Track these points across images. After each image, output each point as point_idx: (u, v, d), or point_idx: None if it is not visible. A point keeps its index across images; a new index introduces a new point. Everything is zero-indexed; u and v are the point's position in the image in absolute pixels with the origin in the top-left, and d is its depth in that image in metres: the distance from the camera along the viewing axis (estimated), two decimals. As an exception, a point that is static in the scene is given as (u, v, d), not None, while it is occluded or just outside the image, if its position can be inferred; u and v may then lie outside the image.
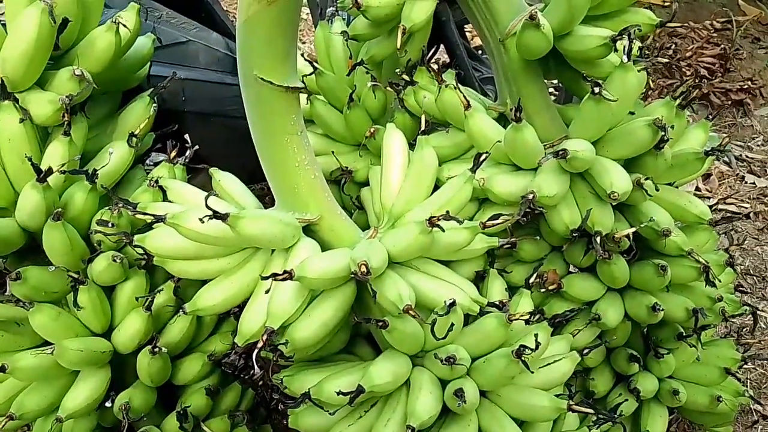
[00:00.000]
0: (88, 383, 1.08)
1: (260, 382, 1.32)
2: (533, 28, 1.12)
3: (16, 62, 1.03)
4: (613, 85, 1.14)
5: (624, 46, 1.12)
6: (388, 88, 1.42)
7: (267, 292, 0.96)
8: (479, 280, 1.22)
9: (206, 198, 0.89)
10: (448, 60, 2.15)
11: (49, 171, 0.96)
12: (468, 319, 1.07)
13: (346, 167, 1.45)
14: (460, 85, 1.27)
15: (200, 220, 0.87)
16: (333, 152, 1.47)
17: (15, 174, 1.05)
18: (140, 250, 1.00)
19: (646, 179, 1.15)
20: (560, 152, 1.09)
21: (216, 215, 0.89)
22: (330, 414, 1.02)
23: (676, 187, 1.34)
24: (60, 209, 1.00)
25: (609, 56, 1.18)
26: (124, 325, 1.08)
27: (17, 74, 1.04)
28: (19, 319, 1.09)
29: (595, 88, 1.09)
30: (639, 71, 1.16)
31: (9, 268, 1.04)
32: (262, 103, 1.04)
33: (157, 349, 1.06)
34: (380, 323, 0.96)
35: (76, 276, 1.01)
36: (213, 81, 1.69)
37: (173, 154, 1.20)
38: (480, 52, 2.55)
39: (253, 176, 1.22)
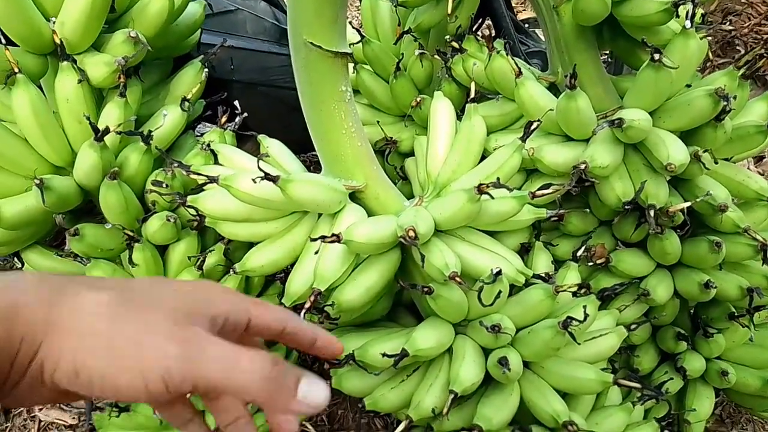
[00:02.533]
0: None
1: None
2: (590, -8, 1.08)
3: (74, 24, 1.05)
4: (673, 52, 1.10)
5: (687, 12, 1.08)
6: (436, 57, 1.40)
7: (316, 253, 0.97)
8: (524, 252, 1.21)
9: (258, 159, 0.90)
10: (494, 33, 2.11)
11: (106, 131, 0.99)
12: (513, 290, 1.06)
13: (391, 137, 1.44)
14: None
15: (252, 180, 0.88)
16: (378, 122, 1.47)
17: (73, 134, 1.08)
18: (193, 211, 1.02)
19: (705, 152, 1.10)
20: (616, 121, 1.06)
21: (267, 177, 0.90)
22: (374, 376, 1.03)
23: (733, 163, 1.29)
24: (116, 169, 1.03)
25: (670, 23, 1.14)
26: (176, 284, 1.11)
27: (75, 36, 1.06)
28: (77, 275, 1.13)
29: (655, 55, 1.05)
30: (701, 39, 1.11)
31: (67, 227, 1.08)
32: (310, 68, 1.03)
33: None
34: (426, 289, 0.96)
35: (131, 234, 1.04)
36: (260, 50, 1.70)
37: (224, 119, 1.21)
38: (527, 25, 2.48)
39: (298, 147, 1.22)
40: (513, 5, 2.84)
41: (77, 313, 0.51)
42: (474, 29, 1.83)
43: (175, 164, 0.96)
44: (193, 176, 0.95)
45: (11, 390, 0.51)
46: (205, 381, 0.51)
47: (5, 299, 0.50)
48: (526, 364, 1.04)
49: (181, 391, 0.51)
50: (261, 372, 0.52)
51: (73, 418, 1.47)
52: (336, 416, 1.48)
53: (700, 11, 1.26)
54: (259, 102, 1.70)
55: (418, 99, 1.39)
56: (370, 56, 1.46)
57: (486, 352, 1.03)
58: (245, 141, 1.38)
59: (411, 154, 1.41)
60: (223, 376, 0.51)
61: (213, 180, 0.94)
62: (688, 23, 1.08)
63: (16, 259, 1.25)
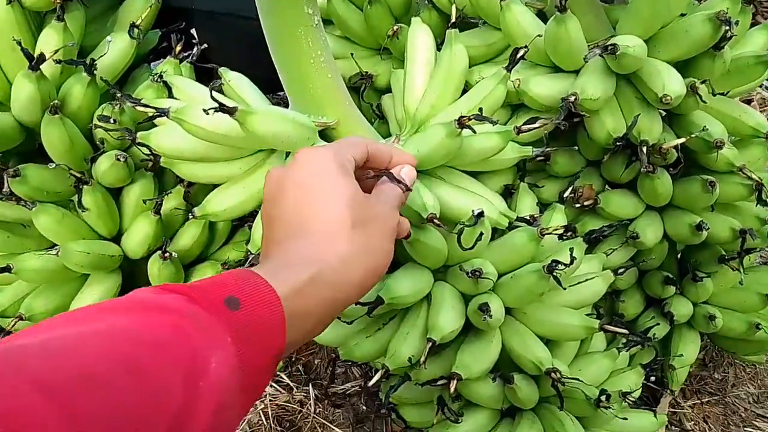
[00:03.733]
0: (98, 288, 1.04)
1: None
2: None
3: (0, -65, 0.92)
4: (672, -26, 1.00)
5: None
6: (416, -19, 1.28)
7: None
8: (508, 195, 1.13)
9: (211, 89, 0.80)
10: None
11: (42, 57, 0.88)
12: (495, 234, 1.00)
13: (366, 72, 1.34)
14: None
15: (204, 111, 0.79)
16: (352, 55, 1.36)
17: (8, 64, 0.97)
18: (145, 150, 0.92)
19: (702, 83, 1.02)
20: (609, 47, 0.96)
21: (222, 108, 0.80)
22: (347, 325, 0.97)
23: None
24: (57, 102, 0.92)
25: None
26: (133, 229, 1.02)
27: (2, -50, 0.93)
28: (25, 221, 1.04)
29: (653, -25, 0.95)
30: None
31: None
32: (273, -13, 0.92)
33: (167, 255, 1.00)
34: (402, 233, 0.88)
35: (79, 176, 0.95)
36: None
37: (178, 49, 1.10)
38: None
39: (266, 86, 1.12)
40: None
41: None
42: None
43: (122, 96, 0.85)
44: (140, 109, 0.84)
45: None
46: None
47: None
48: (508, 311, 0.98)
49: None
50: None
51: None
52: (312, 366, 1.44)
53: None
54: (222, 34, 1.56)
55: (395, 28, 1.28)
56: (344, -19, 1.34)
57: (466, 298, 0.97)
58: (207, 78, 1.27)
59: (388, 90, 1.31)
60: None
61: (163, 113, 0.84)
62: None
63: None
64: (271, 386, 1.36)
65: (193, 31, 1.42)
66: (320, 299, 0.59)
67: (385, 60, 1.35)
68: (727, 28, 0.99)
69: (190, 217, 0.97)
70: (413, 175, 0.76)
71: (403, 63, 1.34)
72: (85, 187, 0.96)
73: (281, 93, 1.02)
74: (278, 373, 1.38)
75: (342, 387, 1.38)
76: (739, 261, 1.15)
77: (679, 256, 1.32)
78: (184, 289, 0.50)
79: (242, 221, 1.22)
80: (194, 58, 1.14)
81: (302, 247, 0.62)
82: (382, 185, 0.72)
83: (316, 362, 1.44)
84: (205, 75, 1.20)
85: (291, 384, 1.36)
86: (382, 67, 1.34)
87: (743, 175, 1.11)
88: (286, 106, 1.00)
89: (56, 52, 0.91)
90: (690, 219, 1.15)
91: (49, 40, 0.94)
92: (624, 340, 1.08)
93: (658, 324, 1.20)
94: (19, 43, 0.87)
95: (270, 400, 1.32)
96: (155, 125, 0.94)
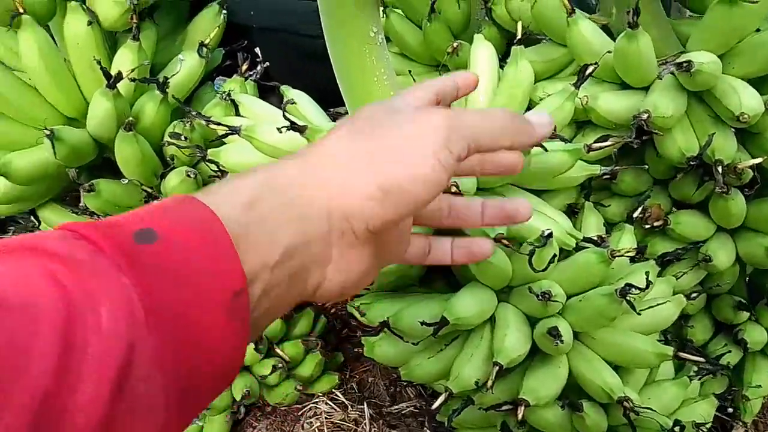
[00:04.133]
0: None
1: (331, 310, 1.28)
2: None
3: (82, -41, 0.96)
4: (750, -13, 0.96)
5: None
6: (477, -3, 1.28)
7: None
8: (570, 214, 1.10)
9: (284, 108, 0.81)
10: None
11: (119, 76, 0.90)
12: (560, 254, 0.97)
13: (425, 88, 1.33)
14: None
15: (278, 130, 0.79)
16: (410, 72, 1.35)
17: (85, 82, 1.00)
18: (213, 166, 0.94)
19: (782, 100, 0.98)
20: (683, 64, 0.93)
21: (294, 126, 0.81)
22: (407, 344, 0.96)
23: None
24: (132, 119, 0.94)
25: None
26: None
27: (83, -26, 0.97)
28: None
29: (731, -11, 0.92)
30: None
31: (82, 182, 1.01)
32: (339, 7, 0.93)
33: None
34: (468, 252, 0.87)
35: (149, 191, 0.97)
36: (286, -5, 1.58)
37: (244, 67, 1.12)
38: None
39: (319, 101, 1.13)
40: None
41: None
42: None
43: (194, 114, 0.87)
44: (212, 127, 0.86)
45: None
46: (475, 137, 0.53)
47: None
48: (575, 335, 0.95)
49: (461, 157, 0.52)
50: (508, 115, 0.59)
51: None
52: (366, 384, 1.43)
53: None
54: (281, 50, 1.59)
55: (455, 45, 1.27)
56: (401, -2, 1.34)
57: (531, 321, 0.94)
58: (267, 94, 1.29)
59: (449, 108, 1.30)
60: (486, 126, 0.55)
61: (235, 131, 0.85)
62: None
63: (33, 217, 1.19)
64: (326, 403, 1.36)
65: (257, 49, 1.45)
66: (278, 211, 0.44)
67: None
68: (809, 43, 0.95)
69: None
70: (548, 118, 0.64)
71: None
72: (154, 202, 0.98)
73: (335, 107, 1.02)
74: (333, 390, 1.37)
75: (397, 407, 1.37)
76: (820, 286, 1.09)
77: (747, 279, 1.26)
78: (81, 225, 0.38)
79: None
80: (258, 75, 1.15)
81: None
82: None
83: (369, 380, 1.43)
84: (266, 91, 1.22)
85: (346, 402, 1.36)
86: (440, 84, 1.34)
87: (824, 198, 1.06)
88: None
89: (133, 71, 0.94)
90: (765, 241, 1.10)
91: (125, 59, 0.97)
92: (695, 368, 1.03)
93: (729, 351, 1.14)
94: (99, 63, 0.90)
95: (326, 418, 1.32)
96: (224, 142, 0.96)
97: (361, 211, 0.47)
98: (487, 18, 1.26)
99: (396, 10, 1.36)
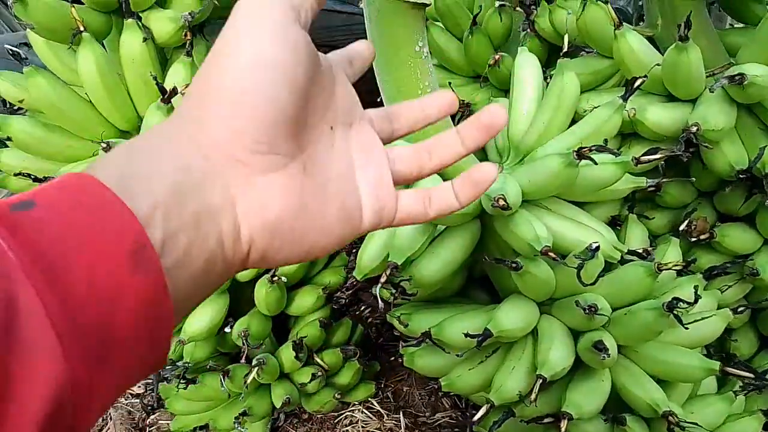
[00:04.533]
0: (209, 309, 1.08)
1: (368, 320, 1.29)
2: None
3: (138, -21, 1.00)
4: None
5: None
6: (518, 9, 1.28)
7: (392, 224, 0.89)
8: (613, 226, 1.10)
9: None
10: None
11: (174, 91, 0.94)
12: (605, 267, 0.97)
13: (465, 101, 1.34)
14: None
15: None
16: (450, 84, 1.37)
17: (138, 96, 1.04)
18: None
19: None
20: (736, 77, 0.92)
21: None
22: (448, 355, 0.97)
23: None
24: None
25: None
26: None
27: (139, -8, 1.01)
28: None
29: (783, 1, 0.91)
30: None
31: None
32: (385, 20, 0.94)
33: (275, 279, 1.04)
34: (514, 265, 0.87)
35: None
36: (333, 9, 1.62)
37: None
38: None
39: None
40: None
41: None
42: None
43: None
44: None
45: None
46: None
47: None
48: (619, 348, 0.95)
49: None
50: None
51: (140, 387, 1.48)
52: (401, 393, 1.43)
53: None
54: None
55: (497, 57, 1.27)
56: (442, 11, 1.35)
57: (575, 334, 0.94)
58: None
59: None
60: None
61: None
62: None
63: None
64: (362, 412, 1.37)
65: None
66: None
67: (483, 89, 1.35)
68: None
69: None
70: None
71: (501, 92, 1.33)
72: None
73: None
74: (369, 399, 1.38)
75: (433, 417, 1.37)
76: None
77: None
78: None
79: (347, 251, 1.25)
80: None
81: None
82: None
83: (404, 389, 1.43)
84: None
85: (381, 411, 1.36)
86: (480, 96, 1.35)
87: None
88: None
89: (186, 86, 0.97)
90: (817, 256, 1.07)
91: (178, 74, 1.01)
92: (740, 383, 1.01)
93: (778, 368, 1.11)
94: (155, 78, 0.93)
95: (362, 427, 1.33)
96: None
97: (223, 133, 0.41)
98: (530, 30, 1.26)
99: (437, 23, 1.37)
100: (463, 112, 1.34)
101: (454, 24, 1.36)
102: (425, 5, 0.95)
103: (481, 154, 1.32)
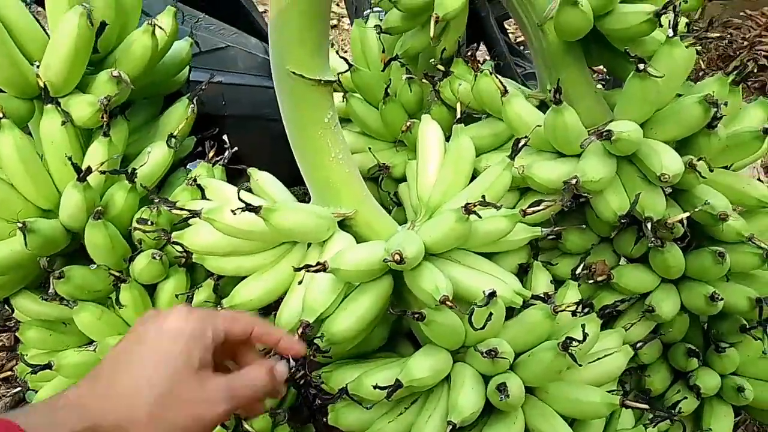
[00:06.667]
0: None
1: (301, 380, 1.31)
2: (570, 6, 1.07)
3: (57, 67, 1.06)
4: (659, 62, 1.08)
5: (669, 21, 1.07)
6: (424, 81, 1.40)
7: (300, 283, 0.94)
8: (523, 273, 1.17)
9: (239, 190, 0.89)
10: (489, 58, 2.12)
11: (89, 170, 0.98)
12: (513, 313, 1.03)
13: (384, 163, 1.43)
14: (497, 74, 1.23)
15: (232, 211, 0.87)
16: (370, 148, 1.46)
17: (59, 176, 1.08)
18: (179, 248, 1.00)
19: (699, 160, 1.07)
20: (604, 133, 1.03)
21: (249, 207, 0.89)
22: (369, 409, 0.99)
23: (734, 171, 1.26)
24: (101, 208, 1.02)
25: (654, 34, 1.13)
26: (166, 322, 1.09)
27: (59, 79, 1.07)
28: (66, 319, 1.12)
29: (639, 65, 1.04)
30: (687, 47, 1.09)
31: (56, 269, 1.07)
32: (295, 97, 1.03)
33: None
34: (416, 315, 0.93)
35: (117, 274, 1.03)
36: (252, 85, 1.71)
37: (211, 154, 1.21)
38: (522, 48, 2.49)
39: (292, 179, 1.21)
40: (507, 29, 2.86)
41: None
42: (467, 53, 1.84)
43: (157, 200, 0.95)
44: (176, 212, 0.93)
45: None
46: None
47: None
48: (530, 390, 0.99)
49: None
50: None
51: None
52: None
53: (684, 20, 1.25)
54: (252, 135, 1.70)
55: (408, 123, 1.38)
56: (359, 84, 1.46)
57: (486, 378, 0.98)
58: (241, 177, 1.38)
59: (404, 179, 1.39)
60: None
61: (196, 214, 0.93)
62: (671, 32, 1.07)
63: (6, 305, 1.23)
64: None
65: (224, 137, 1.55)
66: None
67: (400, 152, 1.44)
68: (716, 109, 1.06)
69: (218, 308, 1.04)
70: (284, 373, 0.83)
71: (416, 153, 1.43)
72: (122, 285, 1.03)
73: (305, 186, 1.10)
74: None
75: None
76: (762, 330, 1.15)
77: (706, 326, 1.32)
78: None
79: (267, 310, 1.28)
80: (225, 161, 1.24)
81: (91, 398, 0.66)
82: (251, 367, 0.78)
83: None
84: (238, 174, 1.31)
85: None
86: (398, 159, 1.44)
87: (753, 244, 1.13)
88: (311, 197, 1.08)
89: (102, 164, 1.02)
90: (704, 290, 1.16)
91: (96, 153, 1.05)
92: (650, 416, 1.07)
93: (685, 398, 1.18)
94: (70, 159, 0.98)
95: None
96: (189, 224, 1.02)
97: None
98: (436, 98, 1.37)
99: (356, 94, 1.48)
100: (383, 173, 1.43)
101: (371, 95, 1.46)
102: (331, 82, 1.04)
103: (403, 213, 1.40)
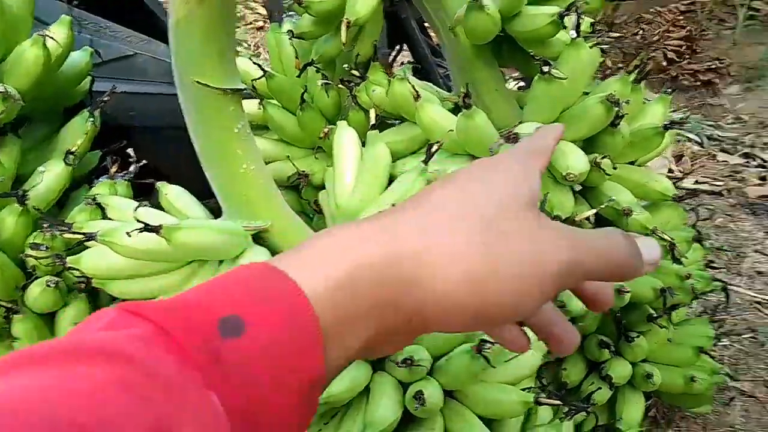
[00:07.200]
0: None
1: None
2: (477, 10, 1.08)
3: (-66, 84, 0.98)
4: (564, 64, 1.11)
5: (572, 22, 1.10)
6: (341, 86, 1.38)
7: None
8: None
9: (135, 209, 0.84)
10: (412, 59, 2.12)
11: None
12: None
13: (303, 171, 1.41)
14: (412, 78, 1.23)
15: (128, 233, 0.82)
16: (288, 156, 1.43)
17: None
18: (77, 272, 0.95)
19: (603, 158, 1.11)
20: (511, 136, 1.05)
21: (147, 228, 0.84)
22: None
23: (640, 166, 1.31)
24: (-13, 235, 0.95)
25: (560, 35, 1.15)
26: (70, 351, 1.02)
27: (-64, 96, 0.99)
28: (-41, 354, 1.03)
29: (543, 67, 1.06)
30: (591, 47, 1.13)
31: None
32: (201, 108, 0.99)
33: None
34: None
35: (9, 306, 0.96)
36: (163, 93, 1.64)
37: (114, 169, 1.14)
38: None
39: (208, 190, 1.17)
40: (429, 30, 2.88)
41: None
42: (389, 58, 1.83)
43: (47, 223, 0.89)
44: (68, 236, 0.88)
45: None
46: (587, 276, 0.46)
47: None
48: (450, 393, 1.00)
49: (565, 288, 0.46)
50: (628, 255, 0.47)
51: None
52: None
53: (588, 21, 1.29)
54: (165, 146, 1.63)
55: (326, 130, 1.36)
56: (275, 90, 1.43)
57: (405, 386, 0.98)
58: (150, 193, 1.32)
59: (325, 186, 1.38)
60: (602, 267, 0.46)
61: (91, 237, 0.87)
62: (573, 33, 1.10)
63: None
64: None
65: (130, 150, 1.48)
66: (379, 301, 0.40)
67: (319, 159, 1.43)
68: (618, 108, 1.10)
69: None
70: (658, 253, 0.51)
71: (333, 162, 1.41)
72: (15, 316, 0.96)
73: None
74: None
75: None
76: (667, 318, 1.21)
77: (619, 317, 1.37)
78: (159, 313, 0.34)
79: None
80: (131, 176, 1.18)
81: (381, 226, 0.42)
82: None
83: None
84: (148, 190, 1.25)
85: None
86: (317, 166, 1.42)
87: (656, 236, 1.18)
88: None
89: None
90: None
91: (-18, 174, 0.98)
92: (566, 409, 1.10)
93: (599, 389, 1.22)
94: (-50, 183, 0.91)
95: None
96: (87, 247, 0.97)
97: (444, 325, 0.43)
98: (353, 104, 1.36)
99: (272, 101, 1.44)
100: (303, 181, 1.40)
101: (289, 101, 1.43)
102: (239, 91, 1.01)
103: (323, 220, 1.38)
